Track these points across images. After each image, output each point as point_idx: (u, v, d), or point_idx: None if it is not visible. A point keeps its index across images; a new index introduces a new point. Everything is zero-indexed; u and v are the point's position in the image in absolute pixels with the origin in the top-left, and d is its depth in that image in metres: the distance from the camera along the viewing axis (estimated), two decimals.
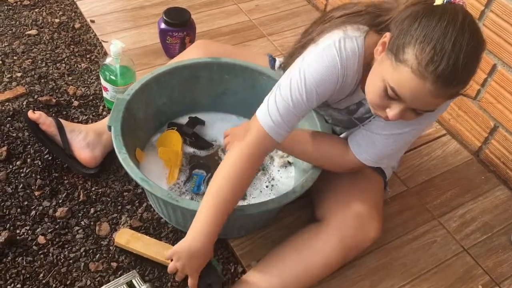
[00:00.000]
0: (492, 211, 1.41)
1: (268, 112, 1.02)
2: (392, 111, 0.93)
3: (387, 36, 0.92)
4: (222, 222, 1.02)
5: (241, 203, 1.20)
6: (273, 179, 1.35)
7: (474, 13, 1.41)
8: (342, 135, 1.26)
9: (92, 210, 1.27)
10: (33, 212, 1.25)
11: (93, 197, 1.30)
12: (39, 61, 1.65)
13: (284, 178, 1.35)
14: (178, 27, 1.67)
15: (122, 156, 1.13)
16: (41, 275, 1.14)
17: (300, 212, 1.31)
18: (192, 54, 1.41)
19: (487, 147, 1.52)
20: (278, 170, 1.37)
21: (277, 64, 1.45)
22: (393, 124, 1.05)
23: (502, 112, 1.43)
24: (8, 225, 1.22)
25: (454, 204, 1.41)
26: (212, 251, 1.05)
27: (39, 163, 1.35)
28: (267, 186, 1.33)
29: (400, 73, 0.87)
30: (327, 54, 0.98)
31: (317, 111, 1.26)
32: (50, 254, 1.18)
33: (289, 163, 1.39)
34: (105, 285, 1.12)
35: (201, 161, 1.36)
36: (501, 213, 1.40)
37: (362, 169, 1.16)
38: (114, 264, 1.17)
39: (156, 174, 1.31)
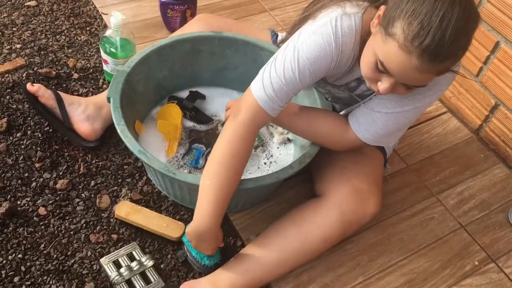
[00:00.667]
0: (490, 189, 1.42)
1: (263, 86, 1.02)
2: (383, 84, 0.93)
3: (382, 9, 0.92)
4: (226, 201, 1.04)
5: None
6: (271, 155, 1.35)
7: None
8: (342, 113, 1.25)
9: (92, 183, 1.28)
10: (33, 184, 1.25)
11: (94, 169, 1.31)
12: (39, 33, 1.64)
13: (283, 155, 1.35)
14: (179, 0, 1.65)
15: (121, 128, 1.13)
16: (42, 245, 1.15)
17: (300, 187, 1.32)
18: (193, 27, 1.39)
19: (487, 125, 1.51)
20: (278, 147, 1.37)
21: (279, 39, 1.44)
22: (394, 102, 1.04)
23: (503, 90, 1.42)
24: (9, 196, 1.22)
25: (452, 181, 1.42)
26: (220, 229, 1.07)
27: (39, 135, 1.35)
28: (265, 163, 1.33)
29: (388, 47, 0.87)
30: (322, 32, 0.97)
31: (317, 88, 1.26)
32: (51, 225, 1.19)
33: (289, 140, 1.39)
34: (106, 256, 1.13)
35: (202, 135, 1.36)
36: (499, 191, 1.41)
37: (361, 148, 1.15)
38: (114, 236, 1.18)
39: (155, 146, 1.31)
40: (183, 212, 1.25)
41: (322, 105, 1.23)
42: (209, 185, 1.02)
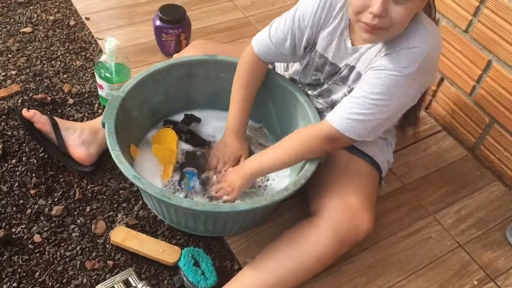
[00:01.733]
0: (487, 206, 1.41)
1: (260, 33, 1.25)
2: (375, 4, 0.95)
3: None
4: (244, 112, 1.31)
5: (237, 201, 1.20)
6: (267, 178, 1.35)
7: (469, 9, 1.41)
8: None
9: (88, 208, 1.27)
10: (28, 211, 1.25)
11: (89, 195, 1.30)
12: (34, 59, 1.65)
13: (279, 177, 1.35)
14: (173, 24, 1.66)
15: (115, 153, 1.13)
16: (37, 273, 1.14)
17: (296, 209, 1.31)
18: (189, 53, 1.41)
19: (482, 143, 1.52)
20: None
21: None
22: (367, 88, 1.04)
23: (497, 108, 1.43)
24: (4, 223, 1.22)
25: (449, 200, 1.42)
26: (241, 142, 1.32)
27: (35, 161, 1.35)
28: (260, 186, 1.33)
29: None
30: None
31: (308, 100, 1.28)
32: (46, 253, 1.18)
33: None
34: (102, 283, 1.12)
35: (198, 155, 1.37)
36: (496, 209, 1.41)
37: (342, 143, 1.12)
38: (110, 262, 1.17)
39: (150, 171, 1.30)
40: (179, 236, 1.25)
41: (314, 116, 1.25)
42: (231, 105, 1.32)
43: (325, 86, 1.24)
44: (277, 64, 1.45)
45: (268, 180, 1.34)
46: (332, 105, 1.21)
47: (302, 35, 1.18)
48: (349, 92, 1.15)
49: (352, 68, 1.15)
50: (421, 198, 1.41)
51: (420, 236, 1.32)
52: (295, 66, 1.33)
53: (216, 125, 1.46)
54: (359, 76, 1.13)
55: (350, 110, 1.06)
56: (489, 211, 1.40)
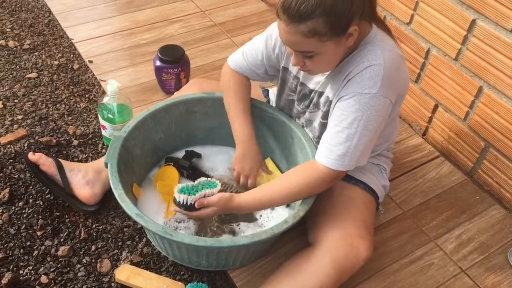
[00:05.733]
0: (488, 230, 1.42)
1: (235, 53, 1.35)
2: (292, 57, 1.10)
3: None
4: (248, 120, 1.32)
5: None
6: (271, 208, 1.37)
7: (457, 38, 1.45)
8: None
9: (93, 247, 1.30)
10: (35, 252, 1.27)
11: (94, 234, 1.33)
12: (40, 103, 1.70)
13: (279, 208, 1.37)
14: (173, 63, 1.72)
15: (118, 193, 1.16)
16: None
17: (297, 240, 1.33)
18: (187, 91, 1.46)
19: (479, 167, 1.54)
20: None
21: (271, 94, 1.50)
22: (336, 121, 1.10)
23: (491, 133, 1.46)
24: (11, 266, 1.24)
25: (450, 225, 1.43)
26: (256, 148, 1.32)
27: (41, 203, 1.38)
28: (261, 215, 1.35)
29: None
30: None
31: (304, 132, 1.33)
32: None
33: None
34: None
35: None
36: (497, 232, 1.42)
37: (338, 177, 1.15)
38: None
39: (153, 209, 1.33)
40: (183, 272, 1.26)
41: (310, 149, 1.29)
42: (231, 112, 1.33)
43: (307, 115, 1.30)
44: (271, 97, 1.49)
45: (267, 211, 1.36)
46: (316, 132, 1.29)
47: (271, 54, 1.27)
48: (323, 116, 1.22)
49: (321, 94, 1.21)
50: (421, 224, 1.42)
51: (422, 263, 1.33)
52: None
53: (217, 160, 1.49)
54: (327, 99, 1.18)
55: (335, 147, 1.10)
56: (490, 235, 1.41)
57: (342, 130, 1.08)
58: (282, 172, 1.43)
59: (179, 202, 1.18)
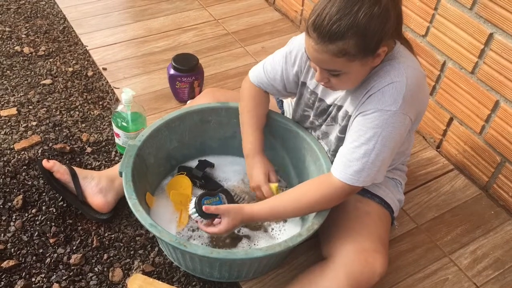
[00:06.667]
0: (503, 246, 1.40)
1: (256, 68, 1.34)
2: (316, 73, 1.08)
3: None
4: (260, 133, 1.32)
5: (246, 244, 1.21)
6: (284, 220, 1.36)
7: (473, 52, 1.44)
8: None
9: (105, 256, 1.29)
10: (48, 260, 1.27)
11: (106, 242, 1.33)
12: (54, 110, 1.71)
13: (294, 220, 1.36)
14: (187, 72, 1.72)
15: (132, 202, 1.16)
16: None
17: (310, 252, 1.32)
18: (201, 101, 1.46)
19: (495, 181, 1.52)
20: None
21: (285, 105, 1.49)
22: (355, 136, 1.09)
23: (507, 147, 1.44)
24: (24, 273, 1.24)
25: (464, 240, 1.41)
26: (263, 158, 1.31)
27: (54, 211, 1.38)
28: (273, 229, 1.34)
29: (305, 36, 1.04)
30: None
31: (318, 144, 1.32)
32: None
33: None
34: None
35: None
36: None
37: (353, 192, 1.13)
38: None
39: (166, 218, 1.33)
40: (194, 282, 1.26)
41: (324, 160, 1.28)
42: (244, 128, 1.34)
43: (323, 127, 1.29)
44: (285, 108, 1.48)
45: (282, 222, 1.36)
46: (331, 145, 1.28)
47: (290, 71, 1.26)
48: (341, 130, 1.20)
49: (339, 108, 1.20)
50: (436, 239, 1.41)
51: (436, 278, 1.32)
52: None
53: (230, 170, 1.49)
54: (346, 113, 1.17)
55: (351, 162, 1.08)
56: (505, 250, 1.39)
57: (360, 145, 1.08)
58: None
59: (195, 208, 1.16)
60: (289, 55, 1.25)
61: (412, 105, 1.08)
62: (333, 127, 1.26)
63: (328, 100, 1.23)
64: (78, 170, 1.39)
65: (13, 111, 1.68)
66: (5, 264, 1.24)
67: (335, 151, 1.17)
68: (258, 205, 1.18)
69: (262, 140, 1.33)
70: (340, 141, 1.19)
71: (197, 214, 1.15)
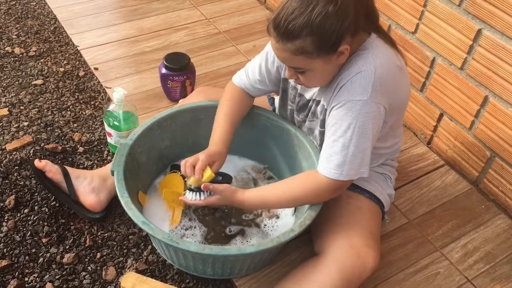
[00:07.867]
0: (494, 240, 1.42)
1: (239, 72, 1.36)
2: (286, 72, 1.14)
3: None
4: (229, 127, 1.30)
5: (240, 241, 1.22)
6: (277, 216, 1.37)
7: (462, 48, 1.46)
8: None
9: (98, 255, 1.30)
10: (41, 259, 1.27)
11: (99, 241, 1.33)
12: (45, 110, 1.71)
13: (287, 217, 1.37)
14: (179, 71, 1.73)
15: (124, 200, 1.16)
16: None
17: (303, 248, 1.33)
18: (193, 100, 1.46)
19: (485, 176, 1.54)
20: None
21: (276, 102, 1.50)
22: (332, 129, 1.10)
23: (497, 142, 1.46)
24: (17, 273, 1.24)
25: (455, 234, 1.43)
26: (225, 152, 1.29)
27: (46, 210, 1.38)
28: (265, 225, 1.35)
29: None
30: None
31: (310, 141, 1.32)
32: None
33: None
34: None
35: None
36: (503, 242, 1.41)
37: (341, 188, 1.14)
38: None
39: (159, 217, 1.33)
40: (188, 280, 1.26)
41: (314, 154, 1.29)
42: (217, 124, 1.32)
43: (307, 123, 1.31)
44: (276, 105, 1.49)
45: (274, 217, 1.36)
46: (317, 141, 1.30)
47: (271, 68, 1.28)
48: (322, 125, 1.22)
49: (318, 102, 1.21)
50: (427, 234, 1.42)
51: (428, 272, 1.33)
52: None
53: (222, 168, 1.49)
54: (323, 108, 1.18)
55: (332, 156, 1.09)
56: (496, 244, 1.41)
57: (337, 139, 1.08)
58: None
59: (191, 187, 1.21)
60: (269, 52, 1.27)
61: (384, 94, 1.07)
62: (315, 122, 1.27)
63: (307, 95, 1.25)
64: (70, 169, 1.39)
65: (5, 111, 1.68)
66: None
67: (321, 146, 1.18)
68: (250, 192, 1.20)
69: (228, 134, 1.30)
70: (323, 135, 1.20)
71: (194, 192, 1.20)
